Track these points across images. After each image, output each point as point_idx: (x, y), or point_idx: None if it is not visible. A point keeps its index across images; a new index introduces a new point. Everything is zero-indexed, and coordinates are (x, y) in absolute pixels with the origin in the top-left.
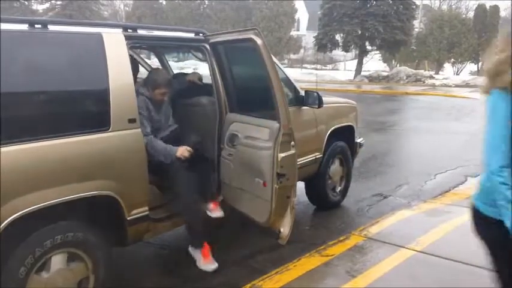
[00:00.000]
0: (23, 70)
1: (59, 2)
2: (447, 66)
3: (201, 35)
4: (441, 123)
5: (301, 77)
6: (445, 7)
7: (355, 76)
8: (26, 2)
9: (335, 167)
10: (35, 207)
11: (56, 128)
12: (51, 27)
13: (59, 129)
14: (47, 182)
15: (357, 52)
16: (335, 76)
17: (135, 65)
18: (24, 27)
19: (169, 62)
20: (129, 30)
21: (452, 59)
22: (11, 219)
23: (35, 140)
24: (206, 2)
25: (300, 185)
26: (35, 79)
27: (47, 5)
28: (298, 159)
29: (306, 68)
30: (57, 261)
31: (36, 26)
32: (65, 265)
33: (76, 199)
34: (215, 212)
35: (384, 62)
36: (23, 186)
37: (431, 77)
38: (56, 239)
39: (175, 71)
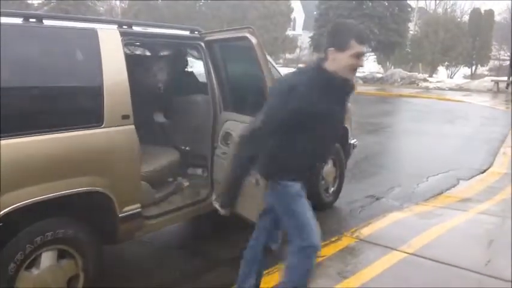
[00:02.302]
0: (16, 64)
1: None
2: (441, 69)
3: (196, 32)
4: (434, 126)
5: None
6: (440, 10)
7: None
8: None
9: (328, 168)
10: (25, 202)
11: (48, 123)
12: (46, 22)
13: (51, 124)
14: (38, 178)
15: None
16: None
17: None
18: (19, 21)
19: None
20: (124, 27)
21: (447, 62)
22: (0, 214)
23: (26, 134)
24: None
25: None
26: (28, 73)
27: None
28: None
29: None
30: (47, 258)
31: (31, 20)
32: (55, 262)
33: (67, 195)
34: None
35: (379, 63)
36: (13, 182)
37: (425, 80)
38: (46, 236)
39: None
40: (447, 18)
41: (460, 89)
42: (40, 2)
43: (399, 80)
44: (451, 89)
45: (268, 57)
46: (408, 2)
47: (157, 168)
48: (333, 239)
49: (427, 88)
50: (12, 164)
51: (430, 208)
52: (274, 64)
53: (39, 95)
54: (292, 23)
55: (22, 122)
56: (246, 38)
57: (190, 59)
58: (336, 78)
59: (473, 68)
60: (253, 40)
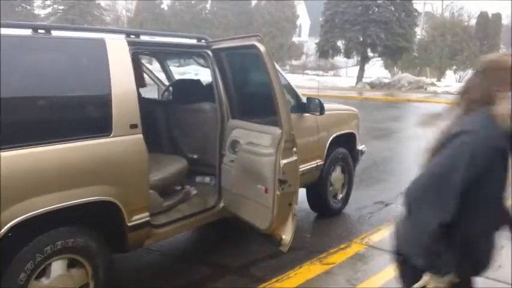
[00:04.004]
0: (25, 75)
1: (61, 7)
2: (449, 73)
3: (203, 41)
4: None
5: (303, 83)
6: (447, 14)
7: (357, 83)
8: (28, 7)
9: (336, 174)
10: (35, 212)
11: (58, 133)
12: (54, 33)
13: (60, 134)
14: (48, 187)
15: (359, 59)
16: (337, 82)
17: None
18: (28, 32)
19: (171, 67)
20: (131, 36)
21: (454, 67)
22: (11, 224)
23: (36, 145)
24: (208, 7)
25: (301, 192)
26: (38, 84)
27: (49, 9)
28: (300, 166)
29: (307, 74)
30: (58, 267)
31: (40, 31)
32: (65, 271)
33: (77, 205)
34: None
35: (386, 68)
36: (23, 192)
37: (433, 84)
38: (56, 245)
39: (177, 77)
40: (454, 22)
41: None
42: (47, 12)
43: (407, 84)
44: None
45: (275, 64)
46: (415, 6)
47: (166, 177)
48: (342, 246)
49: (435, 93)
50: (22, 174)
51: None
52: (281, 71)
53: (48, 105)
54: (298, 30)
55: (31, 132)
56: (254, 46)
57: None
58: None
59: None
60: (262, 48)
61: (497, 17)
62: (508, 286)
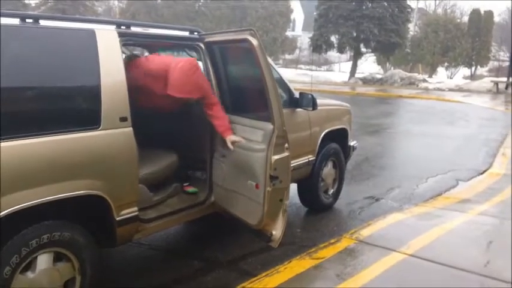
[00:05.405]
0: (12, 65)
1: None
2: (441, 70)
3: (195, 33)
4: (434, 127)
5: (296, 77)
6: (440, 11)
7: (350, 78)
8: None
9: (328, 170)
10: (21, 205)
11: (45, 125)
12: (42, 22)
13: (47, 126)
14: (35, 180)
15: (352, 54)
16: (330, 77)
17: None
18: (16, 21)
19: None
20: (122, 27)
21: (446, 63)
22: None
23: (22, 137)
24: (201, 0)
25: (293, 187)
26: (25, 75)
27: None
28: (291, 162)
29: (300, 68)
30: (43, 261)
31: (28, 20)
32: (51, 265)
33: (64, 198)
34: None
35: (378, 64)
36: (9, 184)
37: (424, 81)
38: (42, 239)
39: None
40: (447, 18)
41: (459, 89)
42: (37, 2)
43: (399, 80)
44: (450, 90)
45: (268, 59)
46: (408, 2)
47: (155, 171)
48: (332, 241)
49: (426, 89)
50: (8, 167)
51: (430, 209)
52: (274, 65)
53: (36, 97)
54: (291, 24)
55: (18, 124)
56: (247, 40)
57: None
58: None
59: (473, 68)
60: (255, 42)
61: (490, 14)
62: (508, 286)
